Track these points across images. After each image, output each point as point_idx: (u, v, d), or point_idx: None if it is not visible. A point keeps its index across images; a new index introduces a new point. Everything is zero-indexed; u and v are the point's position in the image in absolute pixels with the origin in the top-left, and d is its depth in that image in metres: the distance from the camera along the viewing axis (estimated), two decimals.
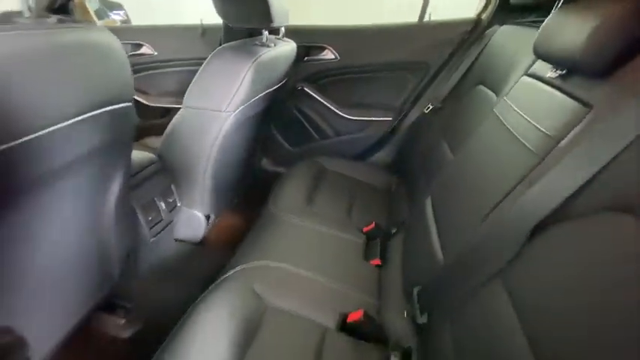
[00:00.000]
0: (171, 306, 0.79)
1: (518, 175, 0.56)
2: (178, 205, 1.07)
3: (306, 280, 0.82)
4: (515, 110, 0.69)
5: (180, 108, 0.99)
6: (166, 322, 0.70)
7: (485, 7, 1.28)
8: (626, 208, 0.39)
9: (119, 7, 1.88)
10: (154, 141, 1.26)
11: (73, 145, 0.55)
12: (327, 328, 0.72)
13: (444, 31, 1.34)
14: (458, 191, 0.78)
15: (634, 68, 0.47)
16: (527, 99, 0.69)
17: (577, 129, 0.49)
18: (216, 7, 1.01)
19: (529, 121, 0.62)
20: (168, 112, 1.60)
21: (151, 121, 1.61)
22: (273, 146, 1.65)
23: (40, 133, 0.46)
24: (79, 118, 0.52)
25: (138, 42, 1.53)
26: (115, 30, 0.60)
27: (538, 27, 0.68)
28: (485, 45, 1.15)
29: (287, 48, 1.17)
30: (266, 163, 1.69)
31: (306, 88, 1.49)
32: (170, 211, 1.02)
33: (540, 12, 0.65)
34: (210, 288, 0.77)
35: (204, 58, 0.96)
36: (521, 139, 0.62)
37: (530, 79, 0.71)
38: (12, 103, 0.42)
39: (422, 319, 0.66)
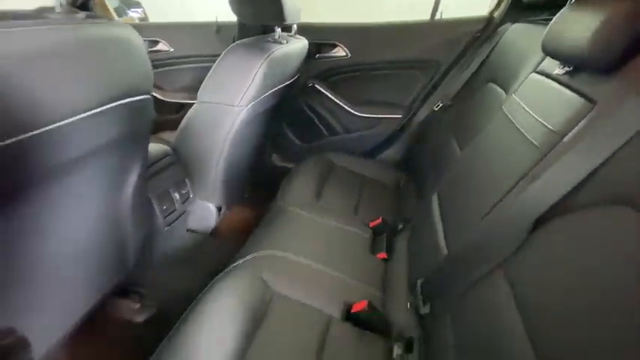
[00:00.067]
0: (182, 292, 0.82)
1: (522, 171, 0.57)
2: (191, 196, 1.11)
3: (313, 270, 0.85)
4: (522, 107, 0.70)
5: (194, 103, 1.02)
6: (178, 307, 0.73)
7: (498, 4, 1.27)
8: (626, 201, 0.40)
9: (137, 4, 1.93)
10: (169, 135, 1.30)
11: (94, 136, 0.58)
12: (332, 317, 0.74)
13: (455, 29, 1.34)
14: (464, 187, 0.79)
15: (638, 65, 0.48)
16: (535, 96, 0.69)
17: (581, 124, 0.50)
18: (230, 4, 1.04)
19: (535, 118, 0.63)
20: (183, 108, 1.65)
21: (166, 116, 1.66)
22: (283, 142, 1.67)
23: (64, 122, 0.49)
24: (101, 109, 0.55)
25: (154, 39, 1.57)
26: (132, 27, 0.63)
27: None
28: (497, 43, 1.15)
29: (299, 45, 1.19)
30: (276, 159, 1.72)
31: (316, 85, 1.51)
32: (183, 202, 1.06)
33: (553, 10, 0.66)
34: (219, 275, 0.80)
35: (219, 55, 0.99)
36: (527, 136, 0.63)
37: (538, 77, 0.72)
38: (38, 93, 0.45)
39: (424, 310, 0.68)
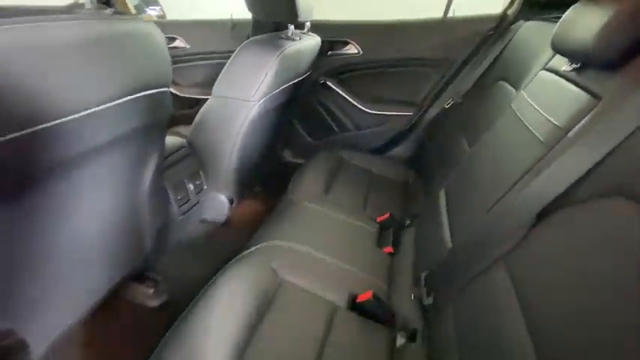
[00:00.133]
0: (195, 279, 0.85)
1: (527, 166, 0.58)
2: (205, 187, 1.14)
3: (321, 260, 0.87)
4: (530, 104, 0.70)
5: (208, 98, 1.06)
6: (190, 293, 0.76)
7: (512, 2, 1.27)
8: (626, 193, 0.41)
9: (155, 2, 1.99)
10: (184, 129, 1.34)
11: (116, 125, 0.61)
12: (338, 306, 0.77)
13: (468, 27, 1.34)
14: (471, 183, 0.80)
15: None
16: (543, 92, 0.70)
17: (585, 119, 0.50)
18: (246, 1, 1.07)
19: (542, 114, 0.64)
20: (198, 103, 1.69)
21: (182, 111, 1.71)
22: (294, 138, 1.70)
23: (88, 112, 0.52)
24: (123, 100, 0.59)
25: (172, 36, 1.62)
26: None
27: None
28: (510, 41, 1.15)
29: (311, 42, 1.21)
30: (287, 155, 1.74)
31: (328, 82, 1.53)
32: (197, 193, 1.10)
33: (566, 8, 0.66)
34: (230, 263, 0.83)
35: (233, 51, 1.02)
36: (533, 132, 0.64)
37: (547, 73, 0.72)
38: (64, 84, 0.48)
39: (428, 301, 0.70)
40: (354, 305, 0.77)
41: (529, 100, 0.72)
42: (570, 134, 0.52)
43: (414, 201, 1.20)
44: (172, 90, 1.67)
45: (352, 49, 1.48)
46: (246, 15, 1.17)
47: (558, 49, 0.67)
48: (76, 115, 0.51)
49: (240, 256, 0.86)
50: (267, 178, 1.56)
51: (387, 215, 1.07)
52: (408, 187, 1.33)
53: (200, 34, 1.63)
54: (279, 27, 1.35)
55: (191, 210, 1.09)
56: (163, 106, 0.71)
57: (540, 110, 0.65)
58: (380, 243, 1.00)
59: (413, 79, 1.47)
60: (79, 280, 0.74)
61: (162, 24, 1.76)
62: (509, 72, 1.02)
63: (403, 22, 1.44)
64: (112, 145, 0.64)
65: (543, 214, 0.51)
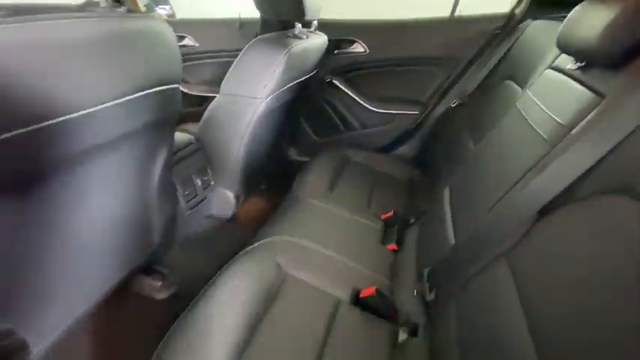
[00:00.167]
0: (201, 272, 0.87)
1: (531, 163, 0.58)
2: (212, 183, 1.16)
3: (325, 256, 0.88)
4: (535, 103, 0.71)
5: (216, 96, 1.08)
6: (196, 287, 0.77)
7: (520, 1, 1.26)
8: (627, 192, 0.41)
9: (165, 1, 2.02)
10: (192, 127, 1.36)
11: (128, 120, 0.63)
12: (341, 300, 0.78)
13: (475, 26, 1.34)
14: (474, 181, 0.81)
15: None
16: (548, 91, 0.70)
17: (588, 118, 0.51)
18: (254, 0, 1.09)
19: (546, 113, 0.64)
20: (206, 100, 1.71)
21: (189, 109, 1.73)
22: (300, 137, 1.71)
23: (101, 106, 0.54)
24: (135, 95, 0.61)
25: (181, 34, 1.64)
26: None
27: None
28: (517, 40, 1.15)
29: (318, 40, 1.22)
30: (293, 153, 1.76)
31: (334, 81, 1.54)
32: (204, 189, 1.12)
33: (573, 7, 0.66)
34: (236, 257, 0.84)
35: (242, 50, 1.03)
36: (537, 130, 0.64)
37: (552, 72, 0.72)
38: (78, 80, 0.50)
39: (430, 297, 0.70)
40: (357, 300, 0.78)
41: (534, 98, 0.72)
42: (573, 132, 0.52)
43: (419, 199, 1.20)
44: (181, 88, 1.70)
45: (359, 47, 1.49)
46: (255, 14, 1.19)
47: (563, 47, 0.67)
48: (89, 110, 0.53)
49: (245, 250, 0.88)
50: (272, 176, 1.57)
51: (391, 213, 1.07)
52: (413, 185, 1.33)
53: (209, 33, 1.65)
54: (286, 26, 1.36)
55: (198, 205, 1.11)
56: (173, 102, 0.73)
57: (544, 109, 0.65)
58: (384, 240, 1.01)
59: (419, 78, 1.47)
60: (88, 271, 0.75)
61: (172, 23, 1.78)
62: (515, 71, 1.02)
63: (410, 21, 1.44)
64: (123, 139, 0.65)
65: (545, 211, 0.51)
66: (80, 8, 0.52)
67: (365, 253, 0.93)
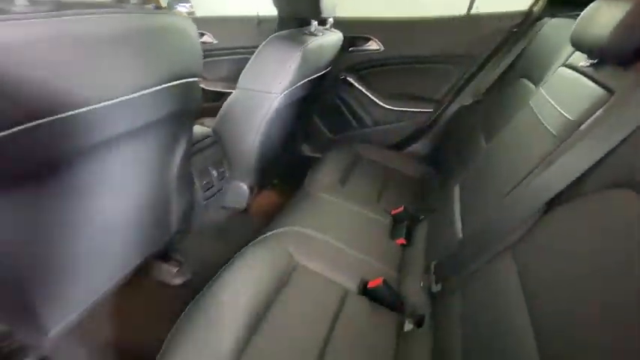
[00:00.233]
0: (215, 260, 0.90)
1: (539, 159, 0.59)
2: (227, 175, 1.21)
3: (334, 247, 0.91)
4: (547, 100, 0.71)
5: (232, 92, 1.11)
6: (211, 273, 0.80)
7: None
8: (633, 186, 0.42)
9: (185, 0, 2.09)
10: (208, 122, 1.41)
11: (151, 111, 0.67)
12: (349, 290, 0.80)
13: (492, 24, 1.33)
14: (484, 177, 0.81)
15: None
16: (560, 88, 0.70)
17: (597, 113, 0.51)
18: None
19: (557, 109, 0.64)
20: (222, 96, 1.76)
21: (206, 104, 1.78)
22: (313, 133, 1.74)
23: (126, 97, 0.58)
24: (158, 87, 0.64)
25: (200, 31, 1.69)
26: None
27: None
28: (533, 38, 1.14)
29: (334, 38, 1.25)
30: (306, 149, 1.79)
31: (348, 78, 1.55)
32: (220, 180, 1.16)
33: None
34: (248, 245, 0.87)
35: (258, 47, 1.07)
36: (547, 126, 0.64)
37: (565, 70, 0.73)
38: (108, 70, 0.53)
39: (436, 288, 0.72)
40: (365, 290, 0.80)
41: (546, 96, 0.73)
42: (582, 127, 0.53)
43: (429, 197, 1.21)
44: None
45: (373, 45, 1.50)
46: (273, 12, 1.22)
47: (577, 45, 0.67)
48: (116, 100, 0.56)
49: (258, 239, 0.91)
50: (285, 171, 1.60)
51: (401, 209, 1.09)
52: (425, 183, 1.34)
53: (227, 30, 1.70)
54: (303, 23, 1.39)
55: (214, 196, 1.15)
56: (194, 95, 0.77)
57: (556, 105, 0.66)
58: (393, 235, 1.02)
59: (433, 76, 1.47)
60: (110, 253, 0.79)
61: (193, 20, 1.84)
62: (531, 69, 1.01)
63: (425, 19, 1.44)
64: (146, 129, 0.69)
65: (551, 205, 0.52)
66: (114, 4, 0.56)
67: (374, 246, 0.95)
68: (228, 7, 1.77)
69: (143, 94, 0.61)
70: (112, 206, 0.73)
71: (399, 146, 1.60)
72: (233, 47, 1.69)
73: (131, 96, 0.59)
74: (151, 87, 0.63)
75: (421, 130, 1.54)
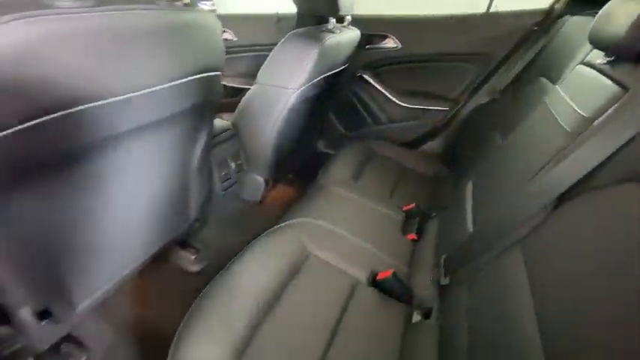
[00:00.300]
0: (231, 248, 0.92)
1: (552, 154, 0.60)
2: (244, 168, 1.25)
3: (346, 239, 0.93)
4: (563, 98, 0.71)
5: (250, 88, 1.15)
6: (227, 260, 0.83)
7: None
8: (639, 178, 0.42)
9: None
10: (227, 117, 1.46)
11: (175, 103, 0.70)
12: (359, 281, 0.82)
13: (512, 22, 1.32)
14: (498, 174, 0.82)
15: None
16: (577, 86, 0.70)
17: (611, 109, 0.52)
18: None
19: (571, 106, 0.64)
20: (240, 92, 1.80)
21: (225, 100, 1.83)
22: (328, 130, 1.76)
23: (153, 89, 0.61)
24: (183, 80, 0.68)
25: (222, 29, 1.74)
26: None
27: None
28: (554, 36, 1.12)
29: (351, 35, 1.26)
30: (321, 145, 1.81)
31: (365, 75, 1.57)
32: (237, 172, 1.21)
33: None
34: (263, 234, 0.91)
35: (277, 44, 1.10)
36: (561, 123, 0.65)
37: (583, 68, 0.72)
38: (138, 64, 0.56)
39: (444, 281, 0.73)
40: (374, 282, 0.82)
41: (562, 93, 0.73)
42: (595, 123, 0.53)
43: (442, 194, 1.21)
44: None
45: (391, 42, 1.50)
46: (292, 10, 1.24)
47: (595, 42, 0.67)
48: (145, 91, 0.60)
49: (272, 229, 0.94)
50: (300, 166, 1.63)
51: (413, 205, 1.10)
52: (438, 181, 1.34)
53: (247, 28, 1.73)
54: (321, 21, 1.41)
55: (231, 187, 1.20)
56: (216, 88, 0.81)
57: (571, 102, 0.66)
58: (404, 230, 1.04)
59: (451, 74, 1.47)
60: (133, 237, 0.84)
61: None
62: (550, 68, 1.01)
63: (444, 17, 1.44)
64: (171, 120, 0.73)
65: (561, 200, 0.53)
66: (148, 1, 0.60)
67: (385, 240, 0.97)
68: (248, 5, 1.82)
69: (170, 86, 0.65)
70: (135, 194, 0.76)
71: (414, 144, 1.60)
72: (252, 44, 1.73)
73: (159, 87, 0.62)
74: (177, 79, 0.66)
75: (436, 129, 1.54)
